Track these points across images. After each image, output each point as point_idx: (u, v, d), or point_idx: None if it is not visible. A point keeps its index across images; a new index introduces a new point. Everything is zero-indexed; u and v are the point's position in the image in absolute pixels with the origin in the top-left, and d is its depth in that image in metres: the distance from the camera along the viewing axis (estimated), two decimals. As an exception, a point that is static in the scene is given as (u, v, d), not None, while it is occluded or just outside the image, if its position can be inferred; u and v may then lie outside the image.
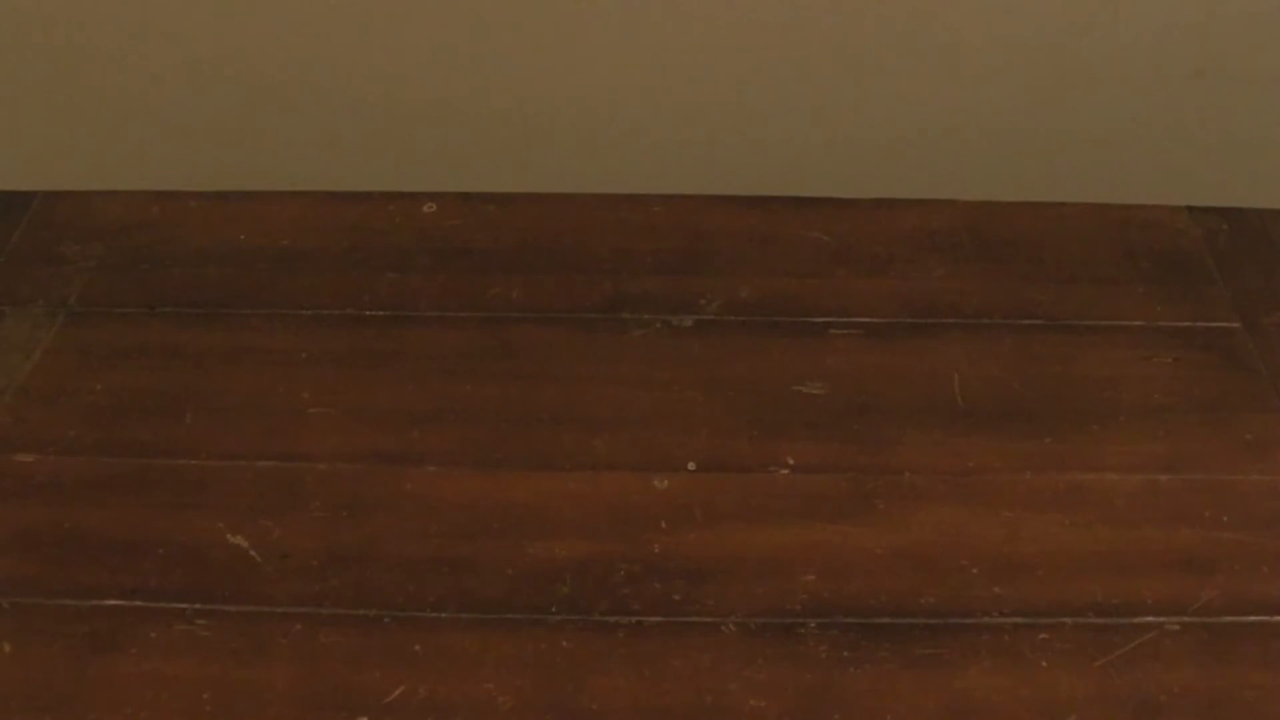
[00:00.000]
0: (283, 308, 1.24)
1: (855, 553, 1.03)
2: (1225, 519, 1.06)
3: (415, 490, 1.08)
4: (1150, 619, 0.99)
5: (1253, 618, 0.99)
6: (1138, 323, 1.23)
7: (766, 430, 1.13)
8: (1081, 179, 1.36)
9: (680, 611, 0.99)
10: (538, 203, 1.36)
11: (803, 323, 1.23)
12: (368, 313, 1.24)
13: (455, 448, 1.11)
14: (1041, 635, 0.98)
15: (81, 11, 1.27)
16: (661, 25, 1.27)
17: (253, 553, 1.03)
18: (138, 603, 0.99)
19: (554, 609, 0.99)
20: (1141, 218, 1.35)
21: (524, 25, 1.28)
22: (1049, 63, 1.29)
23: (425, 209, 1.35)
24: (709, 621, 0.99)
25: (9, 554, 1.03)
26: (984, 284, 1.27)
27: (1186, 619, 0.99)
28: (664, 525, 1.05)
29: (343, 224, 1.33)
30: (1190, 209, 1.36)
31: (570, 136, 1.35)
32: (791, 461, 1.10)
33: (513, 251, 1.30)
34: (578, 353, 1.20)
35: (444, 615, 0.99)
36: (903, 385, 1.17)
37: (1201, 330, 1.22)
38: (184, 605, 0.99)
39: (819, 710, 0.93)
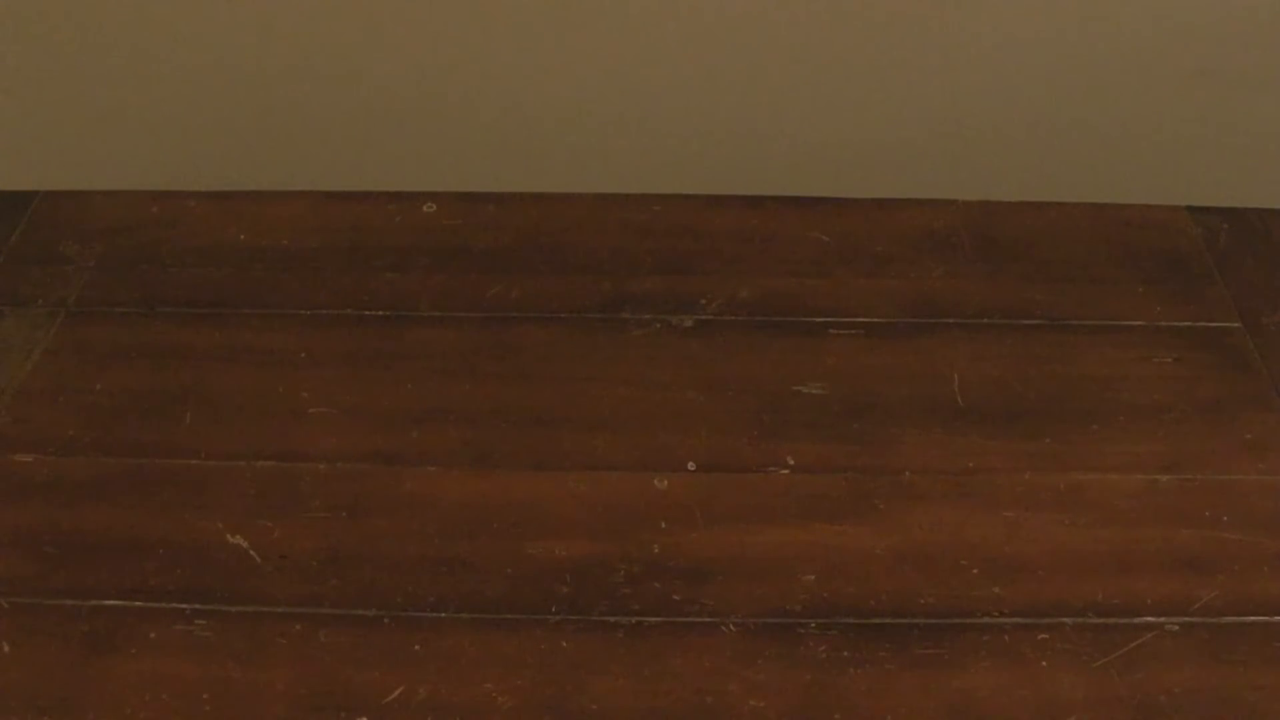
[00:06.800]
0: (282, 308, 1.24)
1: (855, 553, 1.03)
2: (1225, 519, 1.06)
3: (415, 490, 1.08)
4: (1150, 619, 0.99)
5: (1253, 618, 0.99)
6: (1138, 323, 1.23)
7: (766, 430, 1.13)
8: (1081, 179, 1.36)
9: (680, 611, 0.99)
10: (538, 203, 1.36)
11: (803, 323, 1.23)
12: (368, 313, 1.24)
13: (455, 448, 1.11)
14: (1041, 635, 0.98)
15: (82, 12, 1.27)
16: (661, 25, 1.27)
17: (252, 553, 1.03)
18: (138, 603, 0.99)
19: (554, 609, 0.99)
20: (1141, 218, 1.36)
21: (524, 25, 1.27)
22: (1049, 63, 1.29)
23: (425, 209, 1.35)
24: (709, 621, 0.99)
25: (9, 554, 1.03)
26: (984, 284, 1.27)
27: (1186, 619, 0.99)
28: (664, 525, 1.05)
29: (343, 224, 1.34)
30: (1190, 209, 1.36)
31: (570, 136, 1.35)
32: (791, 461, 1.10)
33: (513, 251, 1.30)
34: (578, 353, 1.20)
35: (444, 615, 0.99)
36: (903, 385, 1.17)
37: (1201, 330, 1.23)
38: (184, 605, 0.99)
39: (819, 710, 0.93)
